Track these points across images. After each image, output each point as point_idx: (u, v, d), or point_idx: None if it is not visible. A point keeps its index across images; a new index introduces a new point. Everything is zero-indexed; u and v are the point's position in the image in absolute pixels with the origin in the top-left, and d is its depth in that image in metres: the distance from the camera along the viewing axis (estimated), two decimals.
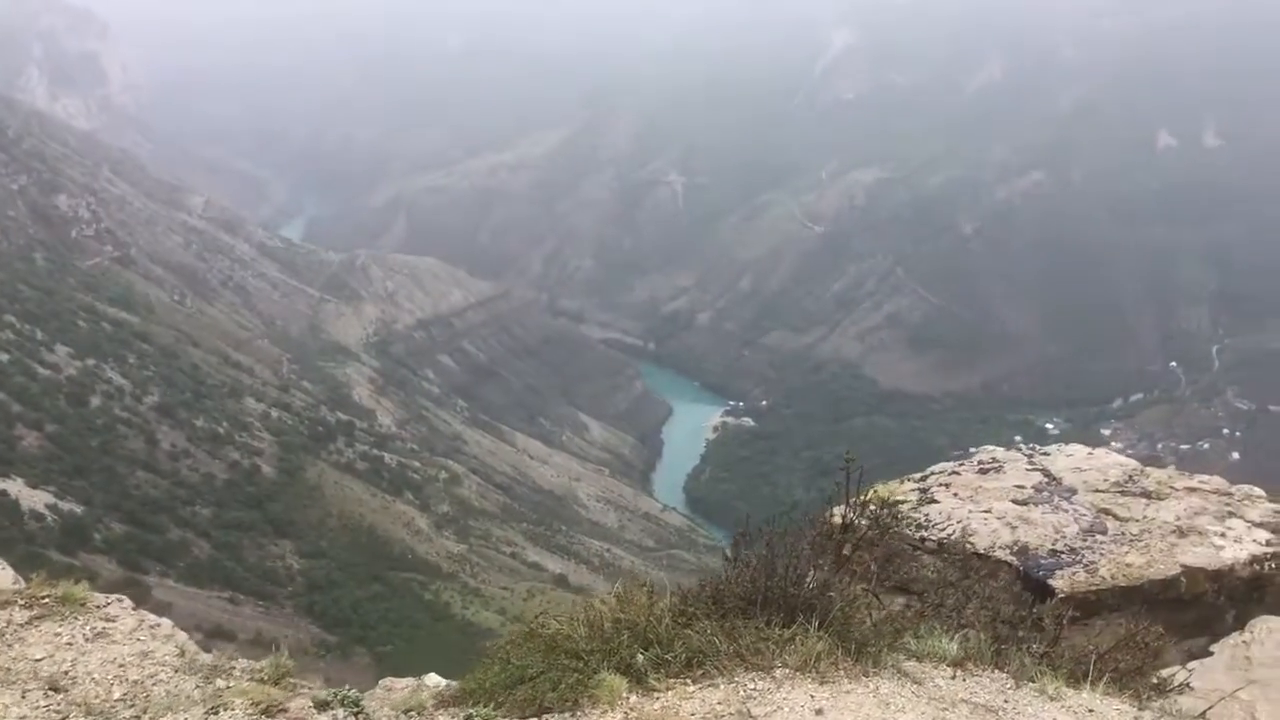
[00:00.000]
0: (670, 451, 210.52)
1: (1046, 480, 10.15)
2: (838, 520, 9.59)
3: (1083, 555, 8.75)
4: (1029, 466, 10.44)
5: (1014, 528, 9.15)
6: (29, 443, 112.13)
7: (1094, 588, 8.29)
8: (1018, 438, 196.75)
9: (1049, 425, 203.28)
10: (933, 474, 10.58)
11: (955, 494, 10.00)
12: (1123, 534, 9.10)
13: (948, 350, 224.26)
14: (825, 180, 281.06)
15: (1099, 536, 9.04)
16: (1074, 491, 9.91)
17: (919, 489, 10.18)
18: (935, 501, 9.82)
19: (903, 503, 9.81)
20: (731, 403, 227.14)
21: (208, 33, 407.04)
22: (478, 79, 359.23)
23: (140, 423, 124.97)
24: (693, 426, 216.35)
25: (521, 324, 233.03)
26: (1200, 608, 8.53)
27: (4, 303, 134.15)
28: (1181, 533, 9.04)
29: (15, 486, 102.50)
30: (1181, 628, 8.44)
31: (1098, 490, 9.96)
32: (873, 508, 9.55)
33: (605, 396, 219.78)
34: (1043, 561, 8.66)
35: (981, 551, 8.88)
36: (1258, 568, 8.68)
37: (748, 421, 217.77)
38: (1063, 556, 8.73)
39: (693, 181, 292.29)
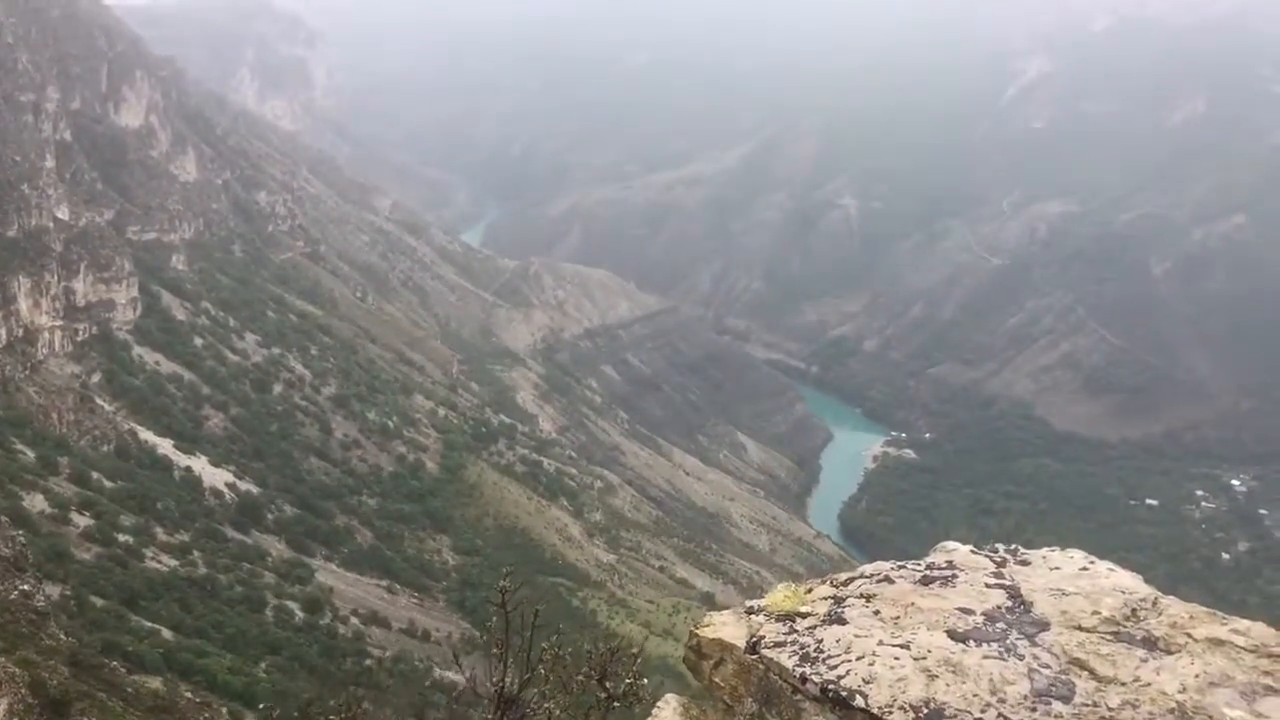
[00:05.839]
0: (828, 477, 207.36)
1: (1010, 604, 7.29)
2: (712, 635, 7.57)
3: None
4: (992, 580, 7.59)
5: (933, 677, 6.51)
6: (214, 423, 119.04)
7: None
8: (1199, 492, 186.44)
9: (1235, 481, 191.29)
10: (860, 578, 7.92)
11: (876, 612, 7.33)
12: (1095, 704, 6.29)
13: (1128, 395, 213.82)
14: (1007, 211, 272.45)
15: (1057, 705, 6.28)
16: (1044, 626, 7.03)
17: (834, 598, 7.64)
18: (842, 622, 7.23)
19: (806, 616, 7.44)
20: (894, 433, 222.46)
21: (406, 43, 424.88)
22: (659, 96, 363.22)
23: (317, 411, 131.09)
24: (852, 454, 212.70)
25: (686, 339, 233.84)
26: None
27: (203, 290, 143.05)
28: (1183, 713, 6.21)
29: (199, 464, 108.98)
30: None
31: (1079, 627, 7.02)
32: (759, 620, 7.50)
33: (765, 417, 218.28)
34: None
35: (874, 711, 6.34)
36: None
37: (909, 453, 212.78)
38: None
39: (867, 206, 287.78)
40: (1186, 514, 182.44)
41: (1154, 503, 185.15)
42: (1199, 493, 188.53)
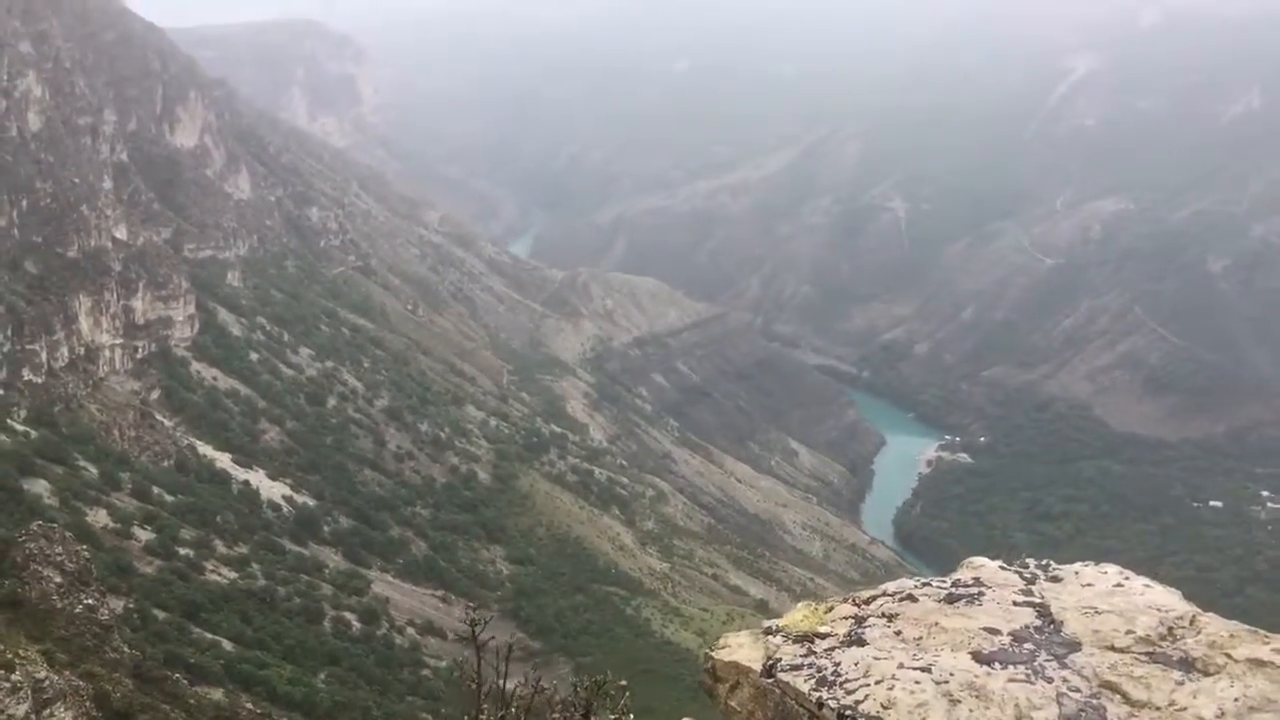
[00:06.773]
0: (881, 483, 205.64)
1: (1039, 623, 6.91)
2: (728, 658, 7.33)
3: None
4: (1020, 597, 7.21)
5: (955, 702, 6.15)
6: (271, 437, 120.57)
7: None
8: (1265, 492, 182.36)
9: None
10: (883, 596, 7.57)
11: (897, 632, 6.98)
12: None
13: (1189, 394, 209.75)
14: (1060, 210, 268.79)
15: None
16: (1074, 647, 6.61)
17: (855, 617, 7.32)
18: (861, 643, 6.93)
19: (825, 636, 7.17)
20: (947, 437, 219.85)
21: (451, 58, 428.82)
22: (700, 104, 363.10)
23: (370, 424, 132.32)
24: (905, 459, 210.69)
25: (735, 346, 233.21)
26: None
27: (257, 305, 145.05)
28: None
29: (257, 477, 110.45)
30: None
31: (1112, 648, 6.57)
32: (776, 641, 7.21)
33: (816, 423, 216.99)
34: None
35: None
36: None
37: (964, 457, 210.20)
38: None
39: (916, 208, 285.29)
40: (1252, 515, 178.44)
41: (1218, 504, 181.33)
42: (1264, 493, 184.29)
